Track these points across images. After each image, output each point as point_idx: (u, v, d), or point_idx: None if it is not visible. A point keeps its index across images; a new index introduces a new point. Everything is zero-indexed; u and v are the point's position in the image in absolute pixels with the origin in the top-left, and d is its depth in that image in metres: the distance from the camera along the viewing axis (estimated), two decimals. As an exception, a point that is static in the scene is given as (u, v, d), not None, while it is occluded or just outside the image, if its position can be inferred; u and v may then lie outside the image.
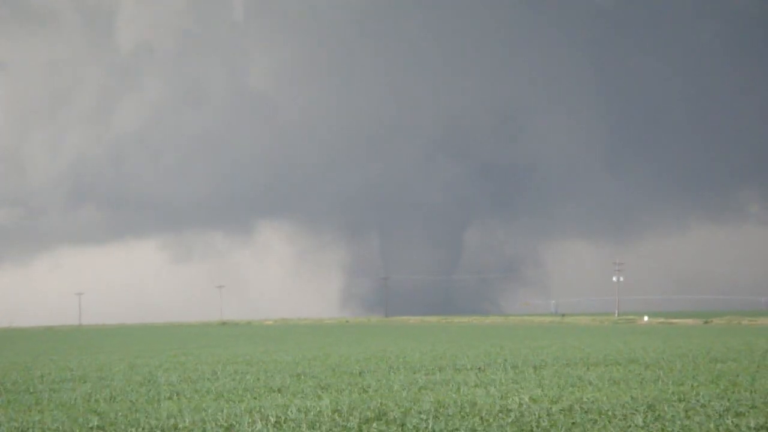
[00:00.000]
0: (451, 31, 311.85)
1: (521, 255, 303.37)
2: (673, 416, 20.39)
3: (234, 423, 20.62)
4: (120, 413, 22.66)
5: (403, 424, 19.80)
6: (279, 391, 28.07)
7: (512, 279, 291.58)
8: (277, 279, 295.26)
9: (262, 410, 22.55)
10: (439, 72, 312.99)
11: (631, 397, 23.86)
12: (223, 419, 21.21)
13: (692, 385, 27.12)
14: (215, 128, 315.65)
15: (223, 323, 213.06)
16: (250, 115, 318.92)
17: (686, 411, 21.22)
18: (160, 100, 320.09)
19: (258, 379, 32.48)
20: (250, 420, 20.98)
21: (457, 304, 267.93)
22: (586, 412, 21.30)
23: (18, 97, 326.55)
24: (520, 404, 22.89)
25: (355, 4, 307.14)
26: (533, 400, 23.76)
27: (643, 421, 19.54)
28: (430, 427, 19.39)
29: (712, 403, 22.43)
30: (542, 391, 26.15)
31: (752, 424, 18.97)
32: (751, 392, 24.89)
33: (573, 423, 19.55)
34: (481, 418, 20.61)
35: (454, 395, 25.33)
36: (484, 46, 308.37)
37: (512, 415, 21.00)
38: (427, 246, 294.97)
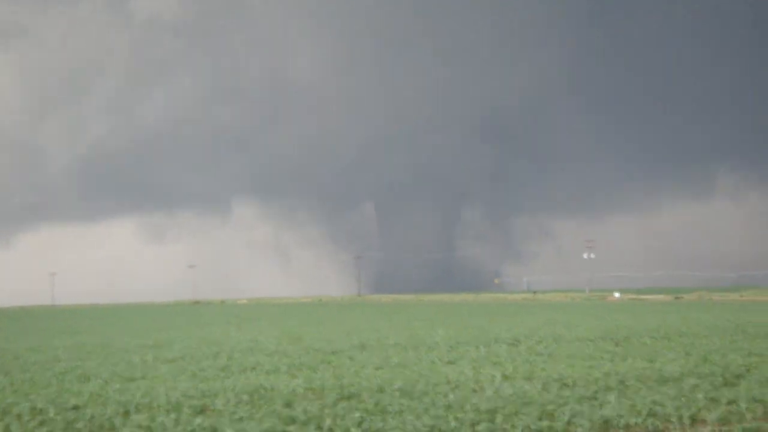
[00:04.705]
0: (488, 25, 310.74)
1: (501, 233, 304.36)
2: (644, 392, 20.59)
3: (209, 401, 20.67)
4: (95, 392, 22.68)
5: (377, 403, 19.90)
6: (253, 369, 28.13)
7: (494, 256, 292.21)
8: (252, 258, 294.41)
9: (237, 389, 22.61)
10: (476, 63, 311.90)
11: (603, 374, 24.05)
12: (198, 397, 21.26)
13: (663, 361, 27.36)
14: (240, 115, 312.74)
15: (196, 302, 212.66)
16: (279, 100, 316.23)
17: (657, 386, 21.43)
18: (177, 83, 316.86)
19: (232, 357, 32.52)
20: (224, 398, 21.04)
21: (448, 282, 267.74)
22: (559, 388, 21.47)
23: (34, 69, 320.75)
24: (493, 381, 23.04)
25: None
26: (506, 377, 23.91)
27: (616, 398, 19.72)
28: (403, 404, 19.49)
29: (683, 379, 22.65)
30: (515, 368, 26.32)
31: (723, 400, 19.19)
32: (722, 367, 25.13)
33: (546, 399, 19.71)
34: (455, 395, 20.73)
35: (427, 373, 25.45)
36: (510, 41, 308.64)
37: (486, 391, 21.14)
38: (418, 226, 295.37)
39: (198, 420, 18.26)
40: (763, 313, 66.80)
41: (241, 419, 18.36)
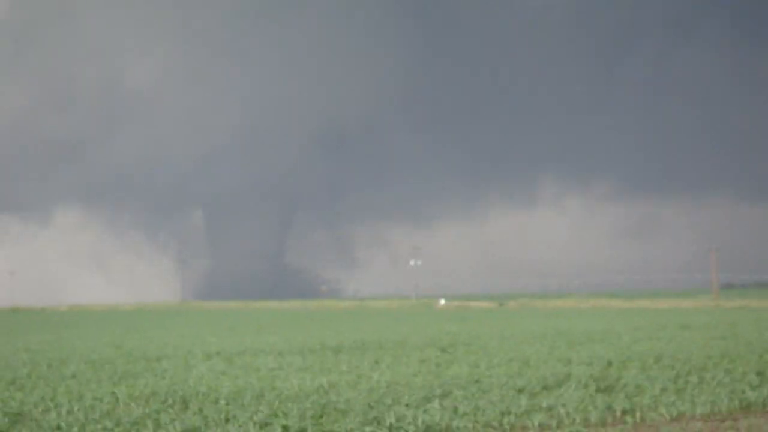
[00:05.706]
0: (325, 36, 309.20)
1: (335, 241, 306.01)
2: (468, 397, 20.85)
3: (25, 411, 20.07)
4: None
5: (201, 410, 19.66)
6: (74, 377, 27.45)
7: (328, 264, 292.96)
8: (74, 265, 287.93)
9: (56, 398, 22.00)
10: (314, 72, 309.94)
11: (428, 380, 24.28)
12: (14, 407, 20.62)
13: (486, 367, 27.78)
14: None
15: (14, 310, 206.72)
16: (114, 108, 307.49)
17: (481, 392, 21.74)
18: None
19: (51, 366, 31.63)
20: (42, 408, 20.46)
21: (280, 290, 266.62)
22: (384, 394, 21.57)
23: None
24: (320, 388, 23.02)
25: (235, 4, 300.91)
26: (332, 383, 23.92)
27: (440, 404, 19.90)
28: (229, 412, 19.30)
29: (506, 384, 23.04)
30: (341, 374, 26.37)
31: (544, 405, 19.57)
32: (542, 373, 25.65)
33: (370, 406, 19.77)
34: (280, 401, 20.64)
35: (252, 380, 25.28)
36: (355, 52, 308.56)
37: (312, 398, 21.09)
38: (251, 234, 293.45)
39: (16, 430, 17.72)
40: (581, 320, 68.68)
41: (61, 428, 17.87)
